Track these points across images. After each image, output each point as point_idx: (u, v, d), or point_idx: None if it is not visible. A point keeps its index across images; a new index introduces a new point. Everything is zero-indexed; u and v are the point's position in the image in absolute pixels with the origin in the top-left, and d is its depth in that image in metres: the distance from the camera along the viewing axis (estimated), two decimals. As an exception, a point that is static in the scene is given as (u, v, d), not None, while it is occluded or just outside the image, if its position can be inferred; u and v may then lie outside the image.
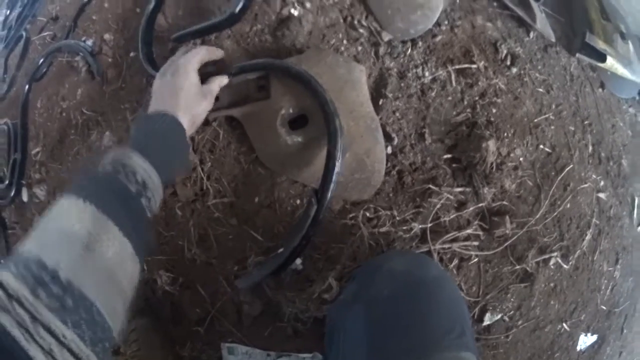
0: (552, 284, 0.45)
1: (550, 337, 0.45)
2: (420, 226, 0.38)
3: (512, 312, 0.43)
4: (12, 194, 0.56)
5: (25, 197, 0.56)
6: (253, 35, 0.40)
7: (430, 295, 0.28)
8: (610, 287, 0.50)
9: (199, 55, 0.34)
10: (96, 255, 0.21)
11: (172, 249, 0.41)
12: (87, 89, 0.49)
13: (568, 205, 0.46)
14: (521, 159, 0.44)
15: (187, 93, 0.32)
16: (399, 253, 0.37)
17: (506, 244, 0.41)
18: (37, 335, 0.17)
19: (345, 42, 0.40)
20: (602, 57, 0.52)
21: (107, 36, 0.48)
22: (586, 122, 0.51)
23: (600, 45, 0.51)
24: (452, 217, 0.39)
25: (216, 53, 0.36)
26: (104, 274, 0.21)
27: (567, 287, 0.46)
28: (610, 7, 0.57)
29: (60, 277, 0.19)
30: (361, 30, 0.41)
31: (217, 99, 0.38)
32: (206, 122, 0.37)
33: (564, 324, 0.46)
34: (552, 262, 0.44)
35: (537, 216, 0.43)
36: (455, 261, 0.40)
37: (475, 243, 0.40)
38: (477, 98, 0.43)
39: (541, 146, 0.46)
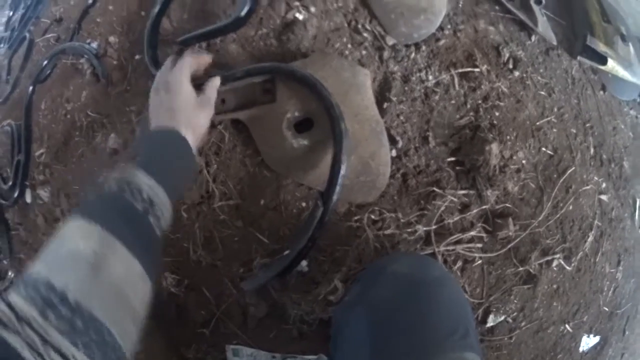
0: (554, 286, 0.45)
1: (553, 338, 0.46)
2: (424, 228, 0.39)
3: (515, 314, 0.43)
4: (16, 195, 0.56)
5: (28, 199, 0.56)
6: (258, 39, 0.40)
7: (433, 296, 0.28)
8: (612, 289, 0.50)
9: (187, 66, 0.33)
10: (104, 275, 0.21)
11: (177, 251, 0.41)
12: (92, 91, 0.49)
13: (570, 208, 0.46)
14: (524, 161, 0.44)
15: (184, 107, 0.31)
16: (403, 255, 0.37)
17: (509, 246, 0.42)
18: (47, 358, 0.17)
19: (349, 46, 0.40)
20: (603, 60, 0.52)
21: (112, 39, 0.49)
22: (588, 125, 0.52)
23: (601, 47, 0.52)
24: (456, 219, 0.40)
25: (204, 59, 0.35)
26: (113, 294, 0.21)
27: (570, 288, 0.46)
28: (610, 9, 0.57)
29: (68, 298, 0.19)
30: (365, 35, 0.41)
31: (223, 101, 0.38)
32: (212, 125, 0.37)
33: (567, 326, 0.46)
34: (554, 264, 0.44)
35: (540, 218, 0.44)
36: (459, 263, 0.40)
37: (479, 245, 0.41)
38: (480, 101, 0.44)
39: (543, 149, 0.46)
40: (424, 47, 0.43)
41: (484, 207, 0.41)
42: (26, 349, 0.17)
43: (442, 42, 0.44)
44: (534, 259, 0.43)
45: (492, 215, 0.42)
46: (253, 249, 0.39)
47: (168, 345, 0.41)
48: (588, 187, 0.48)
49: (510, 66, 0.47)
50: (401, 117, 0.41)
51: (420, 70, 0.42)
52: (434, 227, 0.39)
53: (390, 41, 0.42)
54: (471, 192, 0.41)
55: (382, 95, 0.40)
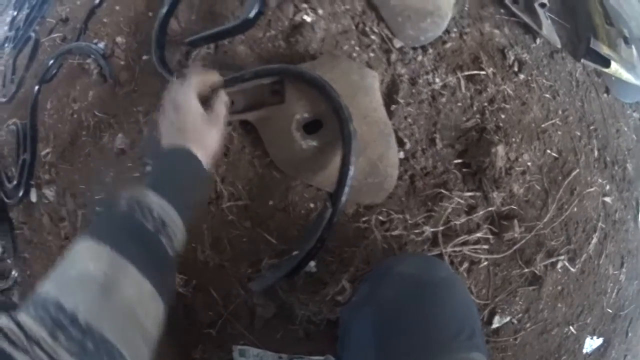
0: (559, 287, 0.45)
1: (558, 339, 0.46)
2: (431, 230, 0.39)
3: (520, 315, 0.43)
4: (21, 194, 0.56)
5: (34, 198, 0.56)
6: (266, 40, 0.40)
7: (439, 297, 0.28)
8: (615, 291, 0.50)
9: (193, 84, 0.33)
10: (114, 296, 0.21)
11: (185, 251, 0.41)
12: (99, 91, 0.49)
13: (575, 209, 0.46)
14: (529, 163, 0.44)
15: (194, 126, 0.31)
16: (410, 256, 0.38)
17: (515, 248, 0.42)
18: None
19: (357, 48, 0.41)
20: (606, 63, 0.52)
21: (119, 39, 0.49)
22: (592, 127, 0.52)
23: (605, 50, 0.52)
24: (462, 221, 0.40)
25: (212, 78, 0.35)
26: (123, 315, 0.21)
27: (574, 290, 0.46)
28: (613, 12, 0.58)
29: (79, 320, 0.19)
30: (373, 37, 0.41)
31: (231, 102, 0.38)
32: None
33: (571, 327, 0.46)
34: (559, 265, 0.45)
35: (545, 220, 0.44)
36: (466, 264, 0.40)
37: (485, 246, 0.41)
38: (486, 104, 0.44)
39: (548, 151, 0.47)
40: (430, 50, 0.43)
41: (490, 208, 0.41)
42: None
43: (448, 45, 0.44)
44: (539, 261, 0.43)
45: (498, 216, 0.42)
46: (261, 249, 0.39)
47: (175, 345, 0.41)
48: (592, 190, 0.48)
49: (516, 69, 0.47)
50: (409, 120, 0.41)
51: (427, 73, 0.42)
52: (441, 228, 0.39)
53: (398, 44, 0.42)
54: (477, 193, 0.41)
55: (389, 98, 0.41)
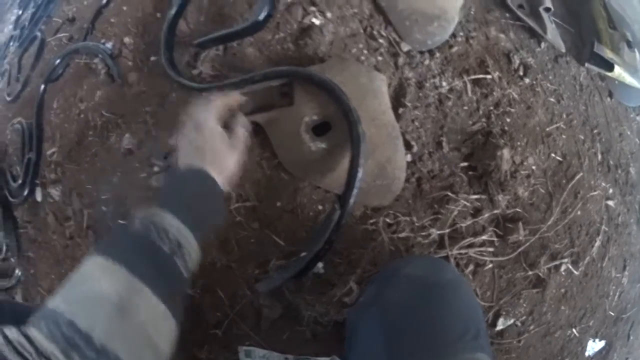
0: (562, 290, 0.46)
1: (560, 342, 0.46)
2: (438, 232, 0.39)
3: (524, 317, 0.44)
4: (25, 193, 0.56)
5: (39, 197, 0.56)
6: (275, 43, 0.41)
7: (446, 299, 0.28)
8: (618, 294, 0.51)
9: (217, 107, 0.33)
10: (129, 318, 0.21)
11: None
12: (107, 91, 0.49)
13: (578, 213, 0.47)
14: (534, 167, 0.45)
15: (214, 148, 0.31)
16: (417, 258, 0.38)
17: (519, 250, 0.42)
18: None
19: (365, 51, 0.41)
20: (609, 67, 0.53)
21: (127, 39, 0.49)
22: (595, 131, 0.52)
23: (608, 54, 0.53)
24: (468, 223, 0.40)
25: (235, 99, 0.35)
26: (138, 337, 0.21)
27: (577, 293, 0.47)
28: (616, 16, 0.58)
29: (93, 340, 0.19)
30: (381, 41, 0.42)
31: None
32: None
33: (574, 330, 0.47)
34: (563, 268, 0.45)
35: (549, 223, 0.44)
36: (471, 266, 0.41)
37: (490, 249, 0.41)
38: (491, 108, 0.45)
39: (553, 155, 0.47)
40: (437, 54, 0.43)
41: (495, 211, 0.42)
42: None
43: (455, 49, 0.44)
44: (543, 263, 0.44)
45: (503, 219, 0.42)
46: (269, 251, 0.39)
47: (181, 345, 0.41)
48: (595, 193, 0.49)
49: (521, 73, 0.48)
50: (416, 123, 0.41)
51: (434, 77, 0.43)
52: (447, 230, 0.39)
53: (405, 47, 0.42)
54: (483, 196, 0.42)
55: (397, 101, 0.41)
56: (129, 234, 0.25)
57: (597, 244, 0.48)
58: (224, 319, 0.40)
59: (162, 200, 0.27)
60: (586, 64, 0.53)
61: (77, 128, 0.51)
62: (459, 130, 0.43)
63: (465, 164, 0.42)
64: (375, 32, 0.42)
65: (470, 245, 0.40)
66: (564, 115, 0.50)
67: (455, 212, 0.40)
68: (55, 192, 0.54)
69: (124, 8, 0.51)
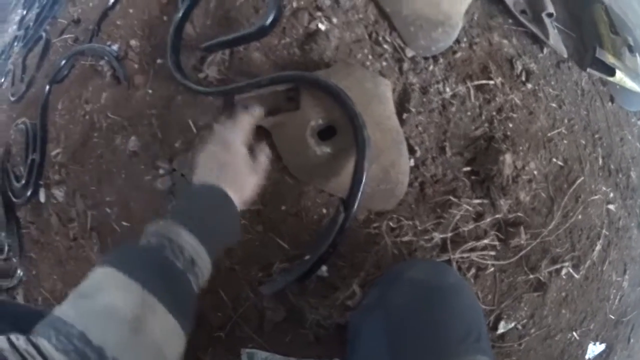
0: (563, 294, 0.46)
1: (561, 345, 0.47)
2: (440, 236, 0.40)
3: (525, 321, 0.44)
4: (29, 193, 0.56)
5: (42, 198, 0.56)
6: (281, 48, 0.41)
7: (448, 302, 0.29)
8: (618, 297, 0.51)
9: (245, 129, 0.33)
10: (143, 335, 0.21)
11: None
12: (113, 93, 0.50)
13: (579, 217, 0.47)
14: (535, 172, 0.45)
15: (235, 168, 0.31)
16: (420, 262, 0.38)
17: (521, 254, 0.43)
18: None
19: (370, 57, 0.41)
20: (611, 71, 0.53)
21: (133, 42, 0.49)
22: (596, 136, 0.53)
23: (610, 59, 0.53)
24: (470, 227, 0.41)
25: (259, 115, 0.36)
26: (150, 354, 0.21)
27: (578, 296, 0.47)
28: (618, 20, 0.58)
29: (106, 355, 0.19)
30: (385, 46, 0.42)
31: (246, 108, 0.38)
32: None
33: (574, 333, 0.47)
34: (563, 272, 0.45)
35: (550, 227, 0.45)
36: (473, 270, 0.41)
37: (492, 253, 0.42)
38: (494, 113, 0.45)
39: (554, 159, 0.47)
40: (441, 60, 0.44)
41: (497, 216, 0.42)
42: None
43: (458, 54, 0.45)
44: (544, 267, 0.44)
45: (504, 223, 0.43)
46: (272, 254, 0.40)
47: (184, 348, 0.41)
48: (596, 197, 0.49)
49: (523, 78, 0.48)
50: (419, 128, 0.42)
51: (437, 82, 0.43)
52: (449, 234, 0.40)
53: (410, 53, 0.43)
54: (485, 201, 0.42)
55: (401, 106, 0.41)
56: (143, 248, 0.25)
57: (598, 247, 0.48)
58: (227, 322, 0.41)
59: (178, 215, 0.27)
60: (588, 69, 0.54)
61: (82, 129, 0.51)
62: (461, 135, 0.44)
63: (468, 168, 0.43)
64: (380, 38, 0.42)
65: (472, 249, 0.41)
66: (566, 121, 0.50)
67: (458, 217, 0.40)
68: (59, 193, 0.54)
69: (130, 10, 0.51)
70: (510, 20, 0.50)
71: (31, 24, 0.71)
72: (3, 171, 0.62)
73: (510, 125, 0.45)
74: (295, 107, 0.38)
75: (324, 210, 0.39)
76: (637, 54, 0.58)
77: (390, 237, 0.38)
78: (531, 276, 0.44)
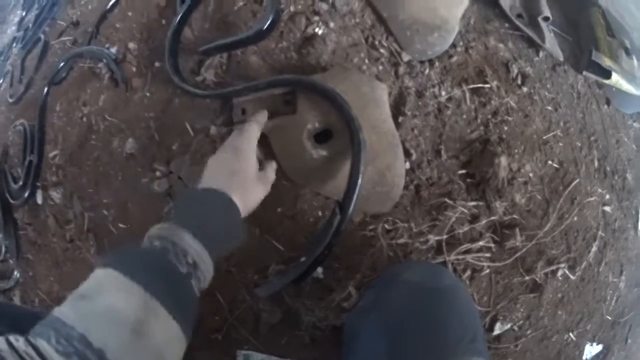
0: (559, 295, 0.46)
1: (558, 346, 0.47)
2: (436, 238, 0.40)
3: (521, 322, 0.44)
4: (26, 195, 0.56)
5: (39, 199, 0.56)
6: (279, 51, 0.41)
7: (444, 304, 0.29)
8: (615, 298, 0.51)
9: (255, 135, 0.34)
10: (144, 338, 0.21)
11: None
12: (110, 95, 0.50)
13: (575, 219, 0.47)
14: (531, 174, 0.46)
15: (244, 176, 0.31)
16: (415, 263, 0.38)
17: (516, 256, 0.43)
18: None
19: (367, 61, 0.42)
20: (607, 74, 0.54)
21: (131, 45, 0.49)
22: (592, 138, 0.53)
23: (606, 62, 0.53)
24: (465, 229, 0.41)
25: (264, 118, 0.36)
26: (152, 358, 0.21)
27: (574, 297, 0.47)
28: (615, 23, 0.59)
29: (107, 358, 0.19)
30: (382, 51, 0.42)
31: (243, 111, 0.39)
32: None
33: (571, 334, 0.47)
34: (559, 273, 0.46)
35: (546, 229, 0.45)
36: (468, 272, 0.41)
37: (487, 255, 0.42)
38: (490, 116, 0.45)
39: (549, 162, 0.48)
40: (437, 64, 0.44)
41: (492, 218, 0.42)
42: None
43: (454, 58, 0.45)
44: (539, 269, 0.44)
45: (500, 226, 0.43)
46: (269, 256, 0.40)
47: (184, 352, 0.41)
48: (592, 199, 0.49)
49: (519, 82, 0.48)
50: (415, 131, 0.42)
51: (433, 86, 0.43)
52: (445, 237, 0.40)
53: (406, 57, 0.43)
54: (480, 203, 0.42)
55: (397, 110, 0.42)
56: (146, 250, 0.25)
57: (594, 249, 0.48)
58: (224, 324, 0.41)
59: (182, 218, 0.27)
60: (584, 72, 0.54)
61: (79, 131, 0.52)
62: (457, 138, 0.44)
63: (463, 171, 0.43)
64: (376, 42, 0.43)
65: (468, 251, 0.41)
66: (561, 123, 0.50)
67: (453, 219, 0.40)
68: (56, 194, 0.54)
69: (129, 14, 0.52)
70: (506, 24, 0.50)
71: (30, 25, 0.71)
72: (0, 172, 0.62)
73: (506, 128, 0.46)
74: (292, 110, 0.38)
75: (320, 213, 0.40)
76: (633, 57, 0.59)
77: (385, 240, 0.39)
78: (527, 277, 0.44)
